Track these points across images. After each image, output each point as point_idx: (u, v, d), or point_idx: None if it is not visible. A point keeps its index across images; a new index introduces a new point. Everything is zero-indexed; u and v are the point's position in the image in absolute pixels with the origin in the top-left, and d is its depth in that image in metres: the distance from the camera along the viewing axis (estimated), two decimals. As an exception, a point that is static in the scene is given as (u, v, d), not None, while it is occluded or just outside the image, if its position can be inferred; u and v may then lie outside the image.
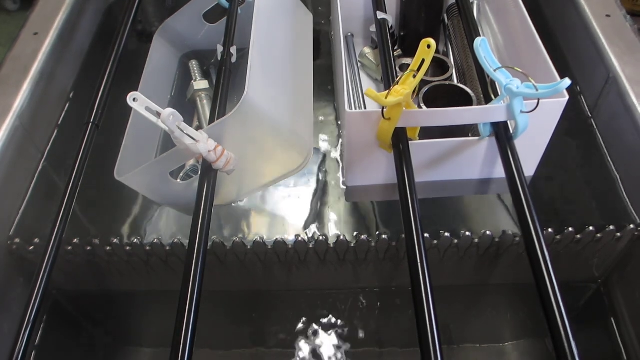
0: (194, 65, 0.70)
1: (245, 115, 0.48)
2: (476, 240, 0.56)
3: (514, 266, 0.61)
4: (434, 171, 0.58)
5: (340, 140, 0.65)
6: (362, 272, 0.62)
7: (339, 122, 0.67)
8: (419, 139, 0.54)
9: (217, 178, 0.51)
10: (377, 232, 0.56)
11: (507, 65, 0.49)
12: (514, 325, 0.75)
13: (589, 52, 0.67)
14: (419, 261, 0.41)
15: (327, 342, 0.74)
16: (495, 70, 0.49)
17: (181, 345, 0.39)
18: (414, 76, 0.48)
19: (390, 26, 0.63)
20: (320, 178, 0.61)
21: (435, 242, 0.56)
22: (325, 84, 0.72)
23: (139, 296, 0.69)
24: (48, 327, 0.66)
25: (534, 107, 0.49)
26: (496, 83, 0.58)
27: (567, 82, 0.45)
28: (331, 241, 0.56)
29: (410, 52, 0.48)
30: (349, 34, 0.76)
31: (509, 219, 0.58)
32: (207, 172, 0.50)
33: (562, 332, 0.38)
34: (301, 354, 0.73)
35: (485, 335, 0.74)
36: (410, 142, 0.51)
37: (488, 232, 0.56)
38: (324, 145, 0.64)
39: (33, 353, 0.64)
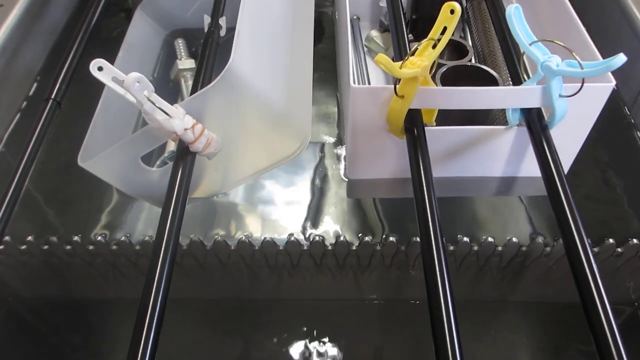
0: (180, 43, 0.62)
1: (230, 87, 0.40)
2: (499, 248, 0.48)
3: (541, 281, 0.53)
4: (450, 165, 0.49)
5: (342, 127, 0.56)
6: (364, 281, 0.54)
7: (341, 109, 0.58)
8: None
9: (198, 166, 0.43)
10: (384, 235, 0.48)
11: (545, 39, 0.41)
12: (534, 349, 0.66)
13: (629, 43, 0.59)
14: (437, 270, 0.33)
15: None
16: (530, 45, 0.41)
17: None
18: (434, 47, 0.40)
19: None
20: (319, 169, 0.53)
21: (452, 247, 0.48)
22: (326, 70, 0.64)
23: (108, 304, 0.60)
24: (2, 339, 0.57)
25: (577, 89, 0.41)
26: (526, 66, 0.50)
27: (622, 58, 0.37)
28: (329, 242, 0.47)
29: (423, 36, 0.41)
30: (355, 17, 0.68)
31: (538, 225, 0.49)
32: (183, 155, 0.41)
33: (615, 356, 0.31)
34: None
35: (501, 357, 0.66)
36: (426, 127, 0.43)
37: (514, 239, 0.48)
38: (323, 133, 0.56)
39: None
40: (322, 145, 0.55)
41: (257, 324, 0.64)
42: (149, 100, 0.38)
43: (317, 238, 0.47)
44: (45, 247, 0.49)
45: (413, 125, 0.43)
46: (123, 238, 0.48)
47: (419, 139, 0.42)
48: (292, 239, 0.47)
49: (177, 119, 0.40)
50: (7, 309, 0.58)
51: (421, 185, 0.38)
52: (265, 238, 0.47)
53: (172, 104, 0.41)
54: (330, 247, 0.47)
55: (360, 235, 0.48)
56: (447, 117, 0.47)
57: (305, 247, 0.47)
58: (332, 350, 0.65)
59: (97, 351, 0.66)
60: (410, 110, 0.42)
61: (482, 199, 0.51)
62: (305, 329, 0.64)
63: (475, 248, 0.48)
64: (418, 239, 0.47)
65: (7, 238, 0.50)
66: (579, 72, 0.39)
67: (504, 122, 0.47)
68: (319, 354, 0.65)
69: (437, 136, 0.46)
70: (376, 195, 0.52)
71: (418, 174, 0.39)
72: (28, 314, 0.61)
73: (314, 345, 0.66)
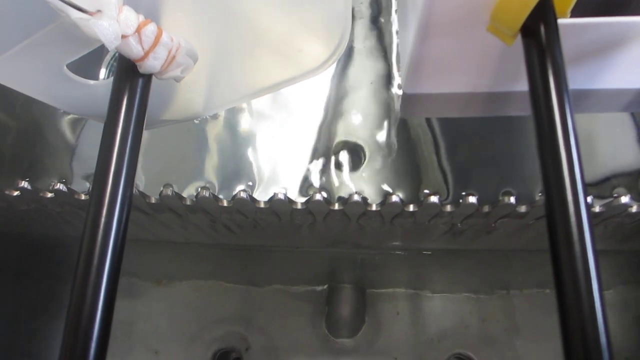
0: None
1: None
2: (634, 209, 0.31)
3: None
4: (584, 74, 0.31)
5: (399, 14, 0.36)
6: (414, 236, 0.38)
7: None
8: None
9: (161, 82, 0.25)
10: (463, 192, 0.31)
11: None
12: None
13: None
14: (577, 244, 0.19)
15: (347, 280, 0.54)
16: None
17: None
18: None
19: None
20: (357, 80, 0.34)
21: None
22: None
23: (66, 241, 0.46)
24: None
25: None
26: None
27: None
28: (373, 202, 0.31)
29: None
30: None
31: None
32: (127, 79, 0.23)
33: None
34: (309, 295, 0.53)
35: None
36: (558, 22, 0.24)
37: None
38: (360, 26, 0.36)
39: None
40: (353, 45, 0.35)
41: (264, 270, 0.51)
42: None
43: (355, 197, 0.30)
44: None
45: (540, 21, 0.23)
46: (59, 186, 0.32)
47: (550, 43, 0.23)
48: (316, 198, 0.30)
49: (107, 18, 0.21)
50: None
51: (550, 111, 0.22)
52: (274, 195, 0.30)
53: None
54: (374, 208, 0.31)
55: (426, 191, 0.31)
56: (582, 5, 0.27)
57: (335, 207, 0.31)
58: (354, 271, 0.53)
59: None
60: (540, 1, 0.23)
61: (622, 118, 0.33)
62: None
63: (597, 210, 0.31)
64: (511, 200, 0.30)
65: None
66: None
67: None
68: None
69: (570, 33, 0.27)
70: (444, 113, 0.33)
71: (546, 96, 0.22)
72: None
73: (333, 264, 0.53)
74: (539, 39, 0.24)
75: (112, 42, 0.21)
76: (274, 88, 0.30)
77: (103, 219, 0.21)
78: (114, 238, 0.20)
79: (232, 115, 0.33)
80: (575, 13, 0.27)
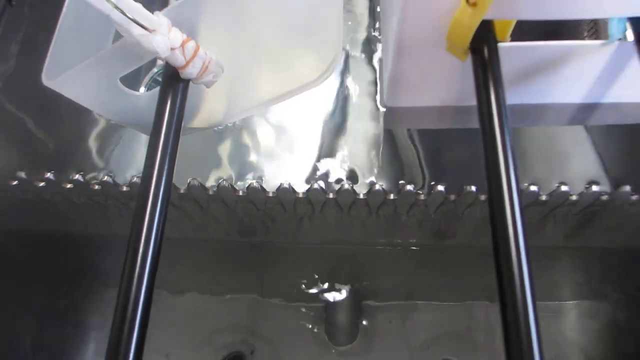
0: None
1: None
2: (574, 198, 0.38)
3: (614, 229, 0.44)
4: (525, 90, 0.38)
5: (383, 40, 0.44)
6: (397, 227, 0.45)
7: (380, 18, 0.46)
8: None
9: (194, 91, 0.33)
10: (431, 183, 0.38)
11: None
12: (575, 285, 0.59)
13: None
14: (511, 228, 0.25)
15: (344, 292, 0.60)
16: None
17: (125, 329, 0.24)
18: None
19: None
20: (349, 94, 0.42)
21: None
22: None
23: (99, 239, 0.53)
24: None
25: None
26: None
27: None
28: (361, 191, 0.38)
29: None
30: None
31: (620, 165, 0.39)
32: (171, 83, 0.31)
33: None
34: (308, 305, 0.59)
35: (545, 293, 0.59)
36: (498, 45, 0.32)
37: (595, 188, 0.38)
38: (355, 48, 0.44)
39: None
40: (348, 64, 0.43)
41: (274, 265, 0.58)
42: (116, 7, 0.27)
43: (346, 187, 0.37)
44: (14, 182, 0.40)
45: (483, 43, 0.31)
46: (106, 178, 0.39)
47: (491, 60, 0.31)
48: (315, 186, 0.38)
49: (160, 35, 0.29)
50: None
51: (491, 118, 0.28)
52: (281, 185, 0.38)
53: (152, 12, 0.29)
54: (362, 196, 0.38)
55: (402, 183, 0.38)
56: (523, 31, 0.35)
57: (331, 196, 0.38)
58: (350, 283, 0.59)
59: (84, 284, 0.61)
60: (481, 23, 0.30)
61: (560, 131, 0.41)
62: (322, 264, 0.57)
63: (543, 198, 0.38)
64: (472, 188, 0.37)
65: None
66: None
67: (597, 36, 0.35)
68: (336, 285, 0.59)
69: (510, 55, 0.35)
70: (423, 125, 0.41)
71: (487, 104, 0.29)
72: (16, 247, 0.54)
73: (332, 277, 0.59)
74: (482, 57, 0.31)
75: (164, 53, 0.29)
76: (280, 99, 0.37)
77: (150, 202, 0.27)
78: (157, 221, 0.26)
79: (243, 123, 0.41)
80: (524, 37, 0.35)
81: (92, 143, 0.41)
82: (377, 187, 0.37)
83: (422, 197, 0.38)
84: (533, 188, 0.38)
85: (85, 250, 0.54)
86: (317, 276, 0.58)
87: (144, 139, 0.42)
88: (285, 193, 0.38)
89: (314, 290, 0.60)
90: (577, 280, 0.56)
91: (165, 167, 0.29)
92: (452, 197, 0.38)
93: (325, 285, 0.58)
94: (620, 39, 0.34)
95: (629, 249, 0.47)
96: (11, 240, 0.52)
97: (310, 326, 0.62)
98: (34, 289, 0.58)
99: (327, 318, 0.62)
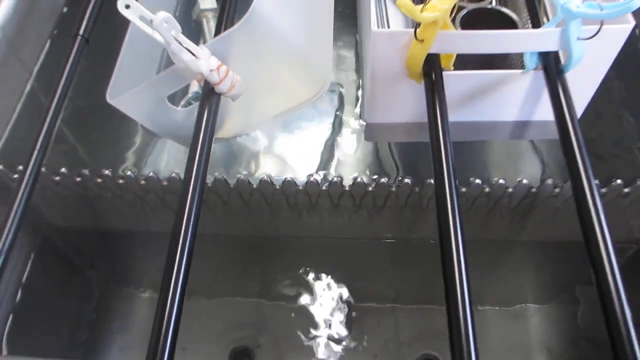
0: (201, -17, 0.63)
1: (254, 29, 0.41)
2: (510, 190, 0.50)
3: (549, 222, 0.55)
4: (466, 109, 0.50)
5: (361, 72, 0.57)
6: (378, 221, 0.56)
7: (360, 53, 0.59)
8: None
9: (221, 107, 0.45)
10: (399, 177, 0.50)
11: (566, -20, 0.41)
12: (538, 287, 0.69)
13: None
14: (449, 210, 0.35)
15: (336, 296, 0.69)
16: (551, -13, 0.41)
17: (170, 290, 0.33)
18: (455, -10, 0.41)
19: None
20: (337, 113, 0.54)
21: (464, 189, 0.50)
22: (345, 15, 0.64)
23: (136, 236, 0.64)
24: (37, 264, 0.61)
25: (595, 32, 0.41)
26: (545, 7, 0.50)
27: (641, -1, 0.37)
28: (347, 183, 0.50)
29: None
30: (376, -43, 0.67)
31: (548, 168, 0.51)
32: (209, 95, 0.43)
33: (614, 293, 0.32)
34: (307, 308, 0.68)
35: (506, 296, 0.69)
36: (443, 72, 0.44)
37: (524, 181, 0.49)
38: (342, 77, 0.57)
39: (19, 291, 0.59)
40: (341, 89, 0.56)
41: (277, 260, 0.68)
42: (176, 40, 0.40)
43: (335, 179, 0.49)
44: (78, 179, 0.52)
45: (431, 70, 0.44)
46: (151, 174, 0.51)
47: (437, 84, 0.43)
48: (312, 179, 0.49)
49: (203, 60, 0.41)
50: (42, 237, 0.62)
51: (437, 129, 0.40)
52: (285, 178, 0.49)
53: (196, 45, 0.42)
54: (347, 188, 0.50)
55: (376, 177, 0.50)
56: (465, 62, 0.48)
57: (323, 187, 0.50)
58: (346, 284, 0.69)
59: (122, 279, 0.71)
60: (429, 55, 0.43)
61: (496, 143, 0.53)
62: (321, 264, 0.68)
63: (487, 190, 0.50)
64: (432, 181, 0.49)
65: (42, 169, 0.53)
66: (598, 14, 0.39)
67: (522, 66, 0.48)
68: (334, 287, 0.68)
69: (454, 80, 0.47)
70: (393, 139, 0.53)
71: (434, 117, 0.41)
72: (60, 242, 0.65)
73: (328, 280, 0.69)
74: (431, 81, 0.43)
75: (206, 73, 0.41)
76: (283, 115, 0.50)
77: (189, 194, 0.37)
78: (194, 213, 0.36)
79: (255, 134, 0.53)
80: (467, 67, 0.47)
81: (135, 147, 0.54)
82: (359, 180, 0.49)
83: (393, 188, 0.49)
84: (478, 181, 0.49)
85: (120, 246, 0.65)
86: (313, 269, 0.68)
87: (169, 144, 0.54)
88: (288, 186, 0.50)
89: (311, 284, 0.70)
90: (532, 275, 0.67)
91: (203, 161, 0.40)
92: (417, 189, 0.49)
93: (322, 278, 0.68)
94: (535, 69, 0.47)
95: (563, 242, 0.58)
96: (57, 235, 0.63)
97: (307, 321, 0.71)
98: (74, 287, 0.69)
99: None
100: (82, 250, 0.67)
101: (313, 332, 0.72)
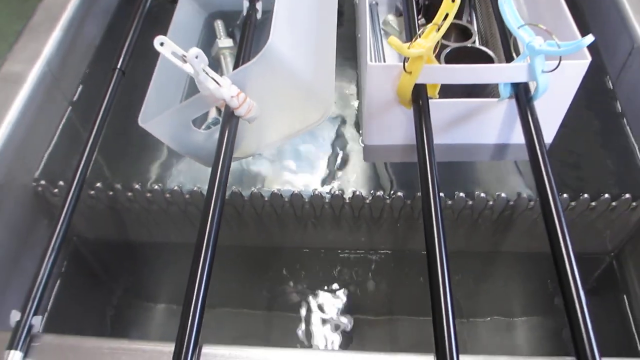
0: (219, 24, 0.71)
1: (268, 63, 0.49)
2: (491, 202, 0.57)
3: (528, 233, 0.61)
4: (451, 133, 0.58)
5: (361, 100, 0.65)
6: (376, 233, 0.63)
7: (360, 84, 0.67)
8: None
9: (239, 130, 0.52)
10: (392, 191, 0.57)
11: (531, 23, 0.50)
12: (524, 297, 0.75)
13: (614, 22, 0.67)
14: (434, 221, 0.40)
15: (338, 308, 0.75)
16: (518, 28, 0.49)
17: (194, 297, 0.38)
18: (437, 30, 0.48)
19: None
20: (339, 136, 0.62)
21: (450, 202, 0.57)
22: (347, 50, 0.73)
23: (158, 248, 0.71)
24: (67, 275, 0.68)
25: (556, 66, 0.49)
26: (518, 44, 0.58)
27: (590, 38, 0.45)
28: (347, 196, 0.57)
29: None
30: (373, 2, 0.76)
31: (524, 185, 0.58)
32: (229, 118, 0.50)
33: (576, 302, 0.37)
34: (311, 320, 0.74)
35: (494, 307, 0.75)
36: (429, 99, 0.52)
37: (503, 195, 0.56)
38: (343, 105, 0.65)
39: (50, 302, 0.65)
40: (343, 115, 0.64)
41: (284, 270, 0.74)
42: (204, 71, 0.47)
43: (336, 192, 0.56)
44: (110, 192, 0.59)
45: (419, 98, 0.51)
46: (176, 187, 0.58)
47: (424, 110, 0.51)
48: (316, 192, 0.56)
49: (225, 88, 0.49)
50: (72, 249, 0.69)
51: (424, 149, 0.47)
52: (293, 192, 0.57)
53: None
54: (347, 200, 0.57)
55: (372, 191, 0.57)
56: (449, 91, 0.56)
57: (326, 200, 0.57)
58: (346, 296, 0.75)
59: (145, 290, 0.77)
60: (416, 85, 0.51)
61: (477, 164, 0.60)
62: (324, 275, 0.74)
63: (470, 202, 0.57)
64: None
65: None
66: (556, 51, 0.47)
67: (499, 95, 0.55)
68: (336, 299, 0.74)
69: (439, 107, 0.55)
70: (388, 159, 0.61)
71: (422, 139, 0.48)
72: (88, 253, 0.72)
73: (330, 291, 0.75)
74: (418, 108, 0.51)
75: (228, 99, 0.49)
76: (291, 136, 0.57)
77: (212, 207, 0.45)
78: (216, 221, 0.43)
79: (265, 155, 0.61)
80: (452, 95, 0.55)
81: (159, 164, 0.61)
82: (358, 193, 0.56)
83: (388, 201, 0.56)
84: (462, 194, 0.56)
85: (143, 257, 0.72)
86: (317, 280, 0.74)
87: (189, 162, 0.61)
88: (296, 198, 0.57)
89: (316, 294, 0.76)
90: (518, 286, 0.73)
91: (224, 177, 0.47)
92: (409, 201, 0.56)
93: (324, 288, 0.74)
94: (509, 97, 0.54)
95: (541, 253, 0.65)
96: (85, 247, 0.70)
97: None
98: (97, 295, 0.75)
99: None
100: (107, 262, 0.73)
101: (314, 342, 0.77)
